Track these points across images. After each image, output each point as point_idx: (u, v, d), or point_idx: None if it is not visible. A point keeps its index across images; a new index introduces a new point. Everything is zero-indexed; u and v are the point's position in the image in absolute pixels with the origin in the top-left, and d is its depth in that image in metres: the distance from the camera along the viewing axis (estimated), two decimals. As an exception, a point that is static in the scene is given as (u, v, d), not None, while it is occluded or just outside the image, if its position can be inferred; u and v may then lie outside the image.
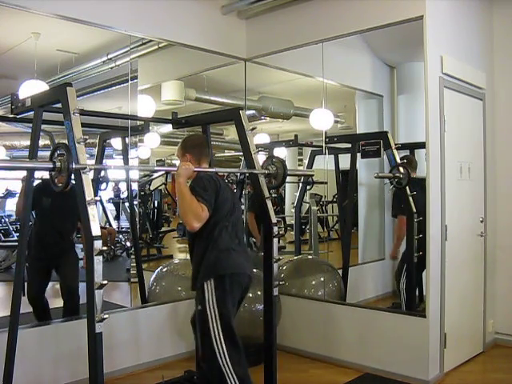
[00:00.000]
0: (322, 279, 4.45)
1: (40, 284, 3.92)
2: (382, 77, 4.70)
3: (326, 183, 4.91)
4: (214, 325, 2.65)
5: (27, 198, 2.98)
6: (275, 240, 2.95)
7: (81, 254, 4.08)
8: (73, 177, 2.28)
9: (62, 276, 3.97)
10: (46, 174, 3.15)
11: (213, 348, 2.64)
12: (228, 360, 2.63)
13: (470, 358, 4.07)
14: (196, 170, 2.78)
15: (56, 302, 3.98)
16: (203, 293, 2.69)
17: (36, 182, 4.08)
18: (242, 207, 4.78)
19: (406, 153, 4.22)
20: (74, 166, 2.25)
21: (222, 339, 2.63)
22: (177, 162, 7.09)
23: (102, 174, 3.88)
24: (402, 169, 3.94)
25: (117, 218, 6.54)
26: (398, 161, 4.02)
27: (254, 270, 3.05)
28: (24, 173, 3.14)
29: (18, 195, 3.78)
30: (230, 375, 2.63)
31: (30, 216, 3.18)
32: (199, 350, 2.80)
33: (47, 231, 3.94)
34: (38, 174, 3.28)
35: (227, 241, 2.77)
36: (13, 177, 4.06)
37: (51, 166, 2.33)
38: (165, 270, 4.54)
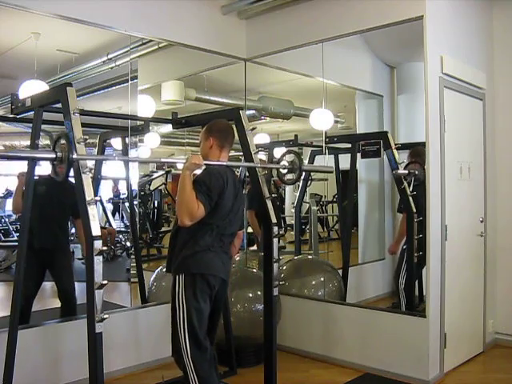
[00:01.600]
0: (322, 279, 4.45)
1: (32, 286, 3.78)
2: (382, 77, 4.70)
3: (326, 180, 4.92)
4: (181, 319, 2.66)
5: (27, 197, 2.97)
6: (275, 240, 2.95)
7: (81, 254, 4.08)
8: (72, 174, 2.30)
9: (57, 278, 3.93)
10: (44, 171, 3.18)
11: (179, 343, 2.68)
12: (190, 358, 2.63)
13: (469, 358, 4.07)
14: (207, 163, 2.67)
15: (56, 302, 3.98)
16: (174, 285, 2.71)
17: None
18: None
19: (407, 153, 4.21)
20: (74, 156, 2.24)
21: (187, 336, 2.64)
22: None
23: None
24: (415, 165, 3.92)
25: (112, 215, 6.56)
26: (398, 161, 4.01)
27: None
28: (20, 169, 3.13)
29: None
30: (191, 373, 2.63)
31: (29, 215, 3.16)
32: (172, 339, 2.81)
33: (39, 228, 3.79)
34: (38, 171, 3.25)
35: (208, 241, 2.70)
36: (11, 173, 4.06)
37: (53, 155, 2.31)
38: (165, 269, 4.54)
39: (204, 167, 2.71)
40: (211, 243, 2.71)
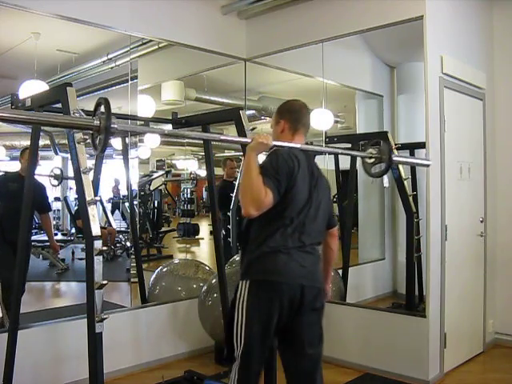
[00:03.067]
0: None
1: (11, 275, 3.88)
2: (382, 77, 4.70)
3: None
4: (238, 333, 2.17)
5: (28, 196, 2.97)
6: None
7: (81, 254, 4.08)
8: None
9: None
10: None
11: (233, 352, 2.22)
12: (235, 379, 2.18)
13: (469, 358, 4.07)
14: (276, 144, 2.27)
15: (56, 302, 3.98)
16: (236, 292, 2.25)
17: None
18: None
19: (406, 153, 4.21)
20: (114, 126, 1.92)
21: (240, 353, 2.17)
22: (177, 163, 7.12)
23: (57, 171, 3.89)
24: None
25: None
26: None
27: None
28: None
29: None
30: None
31: (29, 215, 3.17)
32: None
33: (11, 223, 3.93)
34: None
35: (278, 240, 2.19)
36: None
37: (92, 123, 1.94)
38: (165, 270, 4.54)
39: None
40: (283, 243, 2.19)
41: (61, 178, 4.00)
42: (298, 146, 2.33)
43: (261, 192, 2.09)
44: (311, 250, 2.27)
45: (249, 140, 2.24)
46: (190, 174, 6.62)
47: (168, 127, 3.93)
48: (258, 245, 2.21)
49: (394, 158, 2.63)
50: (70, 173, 2.39)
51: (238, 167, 5.73)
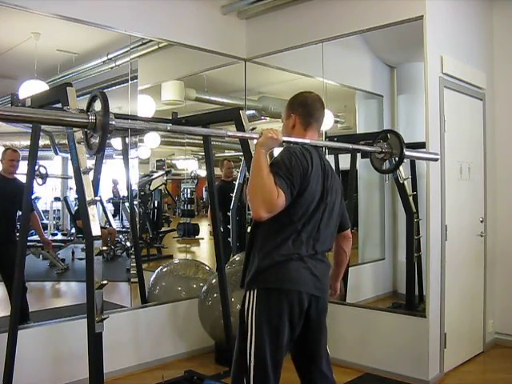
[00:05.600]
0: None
1: None
2: (382, 77, 4.70)
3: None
4: (249, 345, 2.03)
5: (28, 196, 2.97)
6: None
7: (81, 254, 4.08)
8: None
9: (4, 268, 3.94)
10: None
11: (240, 370, 2.07)
12: None
13: (469, 358, 4.07)
14: (286, 139, 2.10)
15: (56, 302, 3.98)
16: (244, 303, 2.09)
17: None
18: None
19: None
20: (112, 122, 1.71)
21: (252, 367, 2.01)
22: (177, 163, 7.11)
23: (42, 170, 3.91)
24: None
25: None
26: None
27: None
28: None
29: None
30: None
31: (29, 215, 3.17)
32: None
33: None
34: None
35: (290, 248, 2.03)
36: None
37: (86, 120, 1.71)
38: (165, 269, 4.54)
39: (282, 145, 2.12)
40: (296, 251, 2.04)
41: (45, 177, 4.02)
42: (308, 141, 2.15)
43: (273, 193, 1.91)
44: (322, 257, 2.14)
45: (257, 136, 2.10)
46: (191, 173, 6.62)
47: (168, 127, 3.91)
48: (267, 252, 2.05)
49: (406, 153, 2.48)
50: (70, 173, 2.38)
51: (235, 167, 5.76)
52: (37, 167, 3.27)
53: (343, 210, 2.34)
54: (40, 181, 3.81)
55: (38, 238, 4.72)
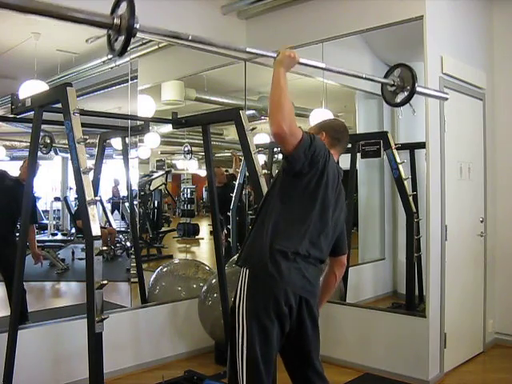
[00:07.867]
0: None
1: None
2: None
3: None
4: (240, 331, 2.01)
5: (28, 195, 2.97)
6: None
7: (81, 254, 4.09)
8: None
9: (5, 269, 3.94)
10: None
11: (233, 359, 2.10)
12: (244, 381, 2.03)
13: (469, 358, 4.07)
14: (303, 61, 2.21)
15: (56, 302, 3.98)
16: (238, 280, 2.08)
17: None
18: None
19: (407, 153, 4.21)
20: (137, 26, 1.75)
21: (245, 359, 2.01)
22: (177, 163, 7.11)
23: (47, 139, 3.91)
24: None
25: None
26: (398, 161, 3.98)
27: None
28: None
29: None
30: None
31: (29, 215, 3.17)
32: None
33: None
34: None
35: (291, 244, 2.01)
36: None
37: (110, 21, 1.79)
38: (165, 269, 4.54)
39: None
40: (295, 247, 2.02)
41: (50, 147, 3.99)
42: (323, 65, 2.22)
43: (293, 113, 1.87)
44: (315, 261, 2.11)
45: (274, 55, 2.10)
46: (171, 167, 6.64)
47: (168, 127, 3.92)
48: (271, 237, 2.01)
49: (418, 89, 2.50)
50: (70, 173, 2.39)
51: (226, 172, 5.98)
52: (42, 135, 3.26)
53: (343, 232, 2.37)
54: (45, 150, 3.81)
55: (41, 239, 4.70)
